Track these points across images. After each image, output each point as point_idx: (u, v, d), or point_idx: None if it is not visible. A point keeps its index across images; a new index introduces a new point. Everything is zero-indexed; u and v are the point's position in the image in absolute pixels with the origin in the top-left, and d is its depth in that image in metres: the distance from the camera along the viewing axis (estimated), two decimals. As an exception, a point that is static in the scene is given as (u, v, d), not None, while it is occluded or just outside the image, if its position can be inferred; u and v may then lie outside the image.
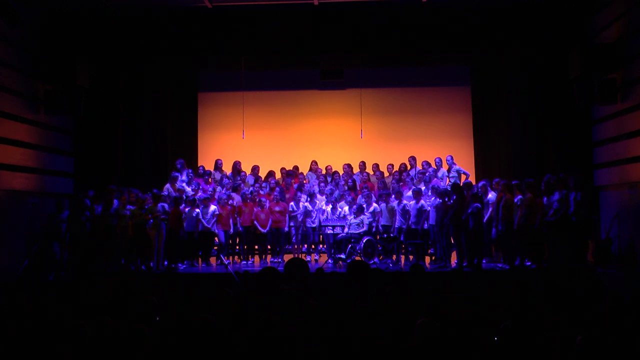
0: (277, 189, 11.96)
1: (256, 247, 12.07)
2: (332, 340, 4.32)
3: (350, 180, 12.52)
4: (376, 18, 12.33)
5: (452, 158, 12.36)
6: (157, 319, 5.31)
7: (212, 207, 11.33)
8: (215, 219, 11.32)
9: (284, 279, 8.79)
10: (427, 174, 12.00)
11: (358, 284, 8.47)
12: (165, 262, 10.93)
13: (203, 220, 11.19)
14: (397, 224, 11.34)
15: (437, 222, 10.76)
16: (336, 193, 11.93)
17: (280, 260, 11.56)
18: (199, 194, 11.75)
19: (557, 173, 10.95)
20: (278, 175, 12.96)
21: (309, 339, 4.35)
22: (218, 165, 13.05)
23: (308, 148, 14.13)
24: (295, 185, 12.32)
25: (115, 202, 10.83)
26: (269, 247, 11.94)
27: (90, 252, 10.69)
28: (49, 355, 4.19)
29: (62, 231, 10.73)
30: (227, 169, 13.12)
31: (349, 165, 13.08)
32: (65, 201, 11.30)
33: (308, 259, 11.83)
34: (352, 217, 11.37)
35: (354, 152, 13.78)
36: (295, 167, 13.17)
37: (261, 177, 12.97)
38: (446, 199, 10.56)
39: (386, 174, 12.87)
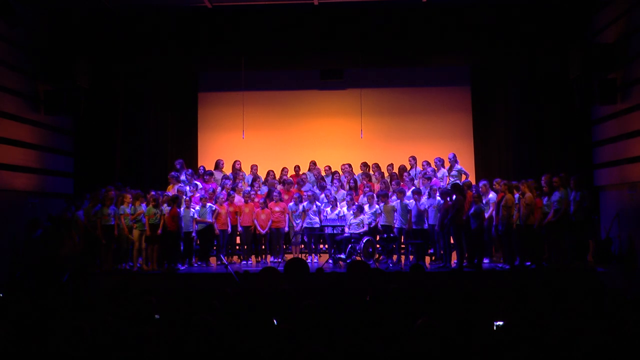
0: (274, 190, 11.95)
1: (255, 247, 12.06)
2: (332, 340, 4.31)
3: (351, 181, 12.51)
4: (376, 18, 12.34)
5: (454, 156, 12.26)
6: (157, 317, 5.32)
7: (209, 204, 11.31)
8: (213, 215, 11.28)
9: (284, 279, 8.81)
10: (426, 174, 11.98)
11: (358, 284, 8.48)
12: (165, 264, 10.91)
13: (198, 218, 11.17)
14: (397, 224, 11.34)
15: (438, 222, 10.75)
16: (332, 195, 11.90)
17: (280, 260, 11.55)
18: (198, 194, 11.73)
19: (557, 173, 10.95)
20: (277, 175, 12.95)
21: (309, 339, 4.35)
22: (219, 166, 13.03)
23: (308, 148, 14.12)
24: (295, 186, 12.30)
25: (113, 202, 10.81)
26: (264, 246, 11.92)
27: (89, 252, 10.67)
28: (48, 355, 4.19)
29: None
30: (227, 169, 13.11)
31: (350, 165, 13.07)
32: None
33: (308, 259, 11.82)
34: (352, 217, 11.37)
35: (354, 152, 13.77)
36: (297, 168, 13.16)
37: (260, 177, 12.95)
38: (448, 199, 10.55)
39: (386, 174, 12.85)
